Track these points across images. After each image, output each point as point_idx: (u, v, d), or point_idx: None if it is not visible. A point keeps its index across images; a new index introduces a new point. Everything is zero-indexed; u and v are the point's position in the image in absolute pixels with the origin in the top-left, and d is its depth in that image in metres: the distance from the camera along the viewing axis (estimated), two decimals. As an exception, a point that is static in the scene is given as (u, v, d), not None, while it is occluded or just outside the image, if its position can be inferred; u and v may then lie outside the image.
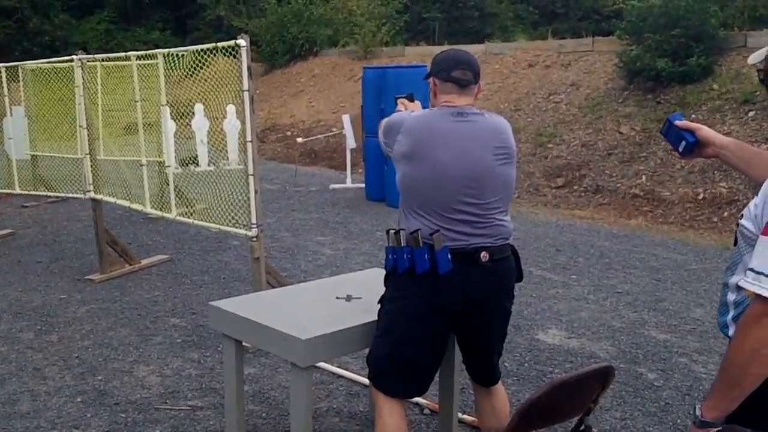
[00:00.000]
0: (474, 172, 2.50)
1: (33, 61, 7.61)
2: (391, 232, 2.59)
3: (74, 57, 6.16)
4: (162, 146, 6.00)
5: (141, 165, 5.87)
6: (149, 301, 5.52)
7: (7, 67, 7.53)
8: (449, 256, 2.48)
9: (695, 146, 2.10)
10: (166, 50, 5.22)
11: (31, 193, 7.94)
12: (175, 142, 5.54)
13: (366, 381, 3.89)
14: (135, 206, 5.99)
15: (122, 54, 6.02)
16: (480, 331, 2.69)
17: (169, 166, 5.69)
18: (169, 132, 5.81)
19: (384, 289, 2.72)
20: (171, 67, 5.29)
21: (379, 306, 2.73)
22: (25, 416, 3.67)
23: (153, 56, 5.38)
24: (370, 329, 2.76)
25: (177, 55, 5.22)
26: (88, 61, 6.16)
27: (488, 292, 2.59)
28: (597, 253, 6.87)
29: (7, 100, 7.63)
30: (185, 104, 6.07)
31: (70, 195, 7.05)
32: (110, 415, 3.68)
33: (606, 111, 10.86)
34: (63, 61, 6.75)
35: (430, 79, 2.66)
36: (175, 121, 5.77)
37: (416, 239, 2.50)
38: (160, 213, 5.75)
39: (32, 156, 8.00)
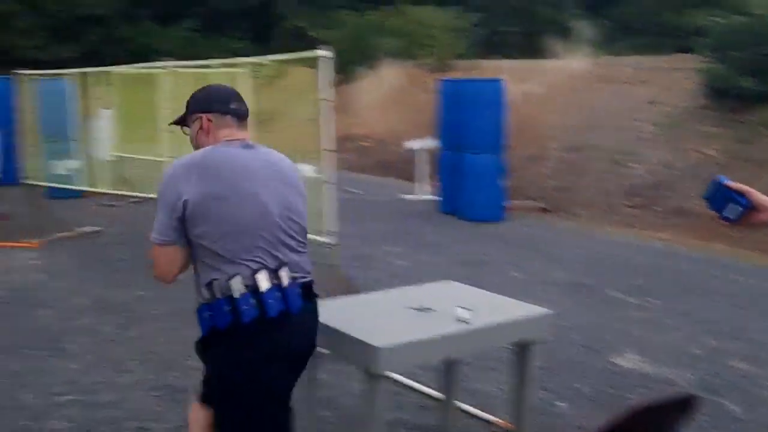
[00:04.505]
0: (285, 201, 2.38)
1: (120, 66, 7.92)
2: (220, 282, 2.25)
3: (161, 63, 6.39)
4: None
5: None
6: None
7: (96, 72, 7.87)
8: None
9: (747, 210, 1.89)
10: (251, 58, 5.36)
11: (116, 192, 8.24)
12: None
13: (438, 395, 3.88)
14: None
15: (206, 61, 6.21)
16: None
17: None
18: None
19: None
20: (252, 76, 5.44)
21: None
22: (106, 406, 3.81)
23: (237, 65, 5.53)
24: (445, 341, 2.76)
25: (261, 63, 5.36)
26: (174, 67, 6.38)
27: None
28: (675, 277, 6.66)
29: (97, 103, 7.96)
30: (266, 113, 6.21)
31: (153, 196, 7.29)
32: (184, 410, 3.77)
33: (685, 130, 10.56)
34: (149, 68, 7.01)
35: (200, 117, 2.50)
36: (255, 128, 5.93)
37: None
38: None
39: (117, 157, 8.33)
